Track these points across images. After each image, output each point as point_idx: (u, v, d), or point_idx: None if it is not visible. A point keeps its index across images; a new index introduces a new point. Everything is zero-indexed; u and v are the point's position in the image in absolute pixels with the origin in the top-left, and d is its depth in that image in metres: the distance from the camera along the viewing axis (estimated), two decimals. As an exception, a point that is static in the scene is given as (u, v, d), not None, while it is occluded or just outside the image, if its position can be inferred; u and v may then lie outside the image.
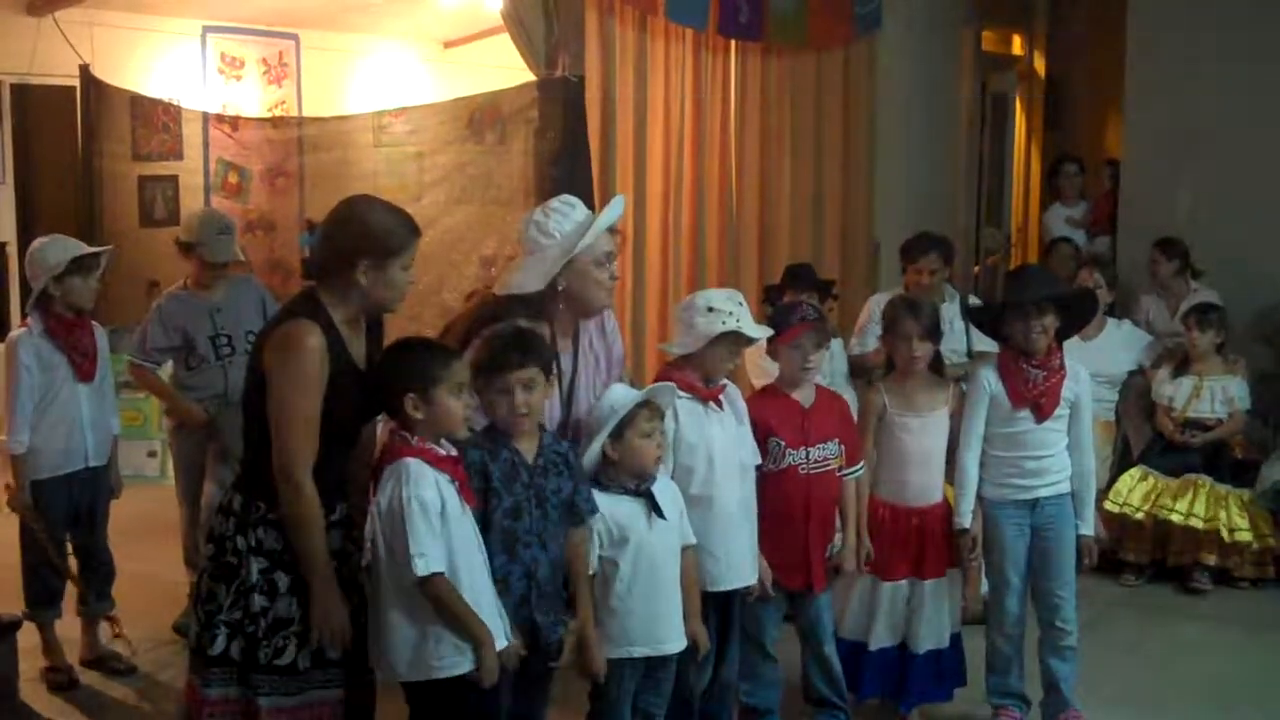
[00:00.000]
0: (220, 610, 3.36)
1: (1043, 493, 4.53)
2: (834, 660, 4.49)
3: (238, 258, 5.53)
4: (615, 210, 3.97)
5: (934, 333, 4.53)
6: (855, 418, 4.64)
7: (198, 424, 5.30)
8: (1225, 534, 6.09)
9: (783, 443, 4.27)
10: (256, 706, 3.34)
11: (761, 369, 5.12)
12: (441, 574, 3.20)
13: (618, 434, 3.72)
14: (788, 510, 4.28)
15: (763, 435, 4.26)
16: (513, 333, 3.61)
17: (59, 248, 4.93)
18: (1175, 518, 6.13)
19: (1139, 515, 6.19)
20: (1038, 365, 4.48)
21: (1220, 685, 5.12)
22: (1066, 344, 4.63)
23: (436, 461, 3.28)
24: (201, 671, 3.39)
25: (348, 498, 3.48)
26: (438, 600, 3.21)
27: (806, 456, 4.30)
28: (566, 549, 3.62)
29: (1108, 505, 6.18)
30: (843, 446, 4.39)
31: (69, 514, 5.05)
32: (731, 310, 4.02)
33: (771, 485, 4.25)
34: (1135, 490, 6.25)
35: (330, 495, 3.36)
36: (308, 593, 3.32)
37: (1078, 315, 4.65)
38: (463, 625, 3.24)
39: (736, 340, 4.04)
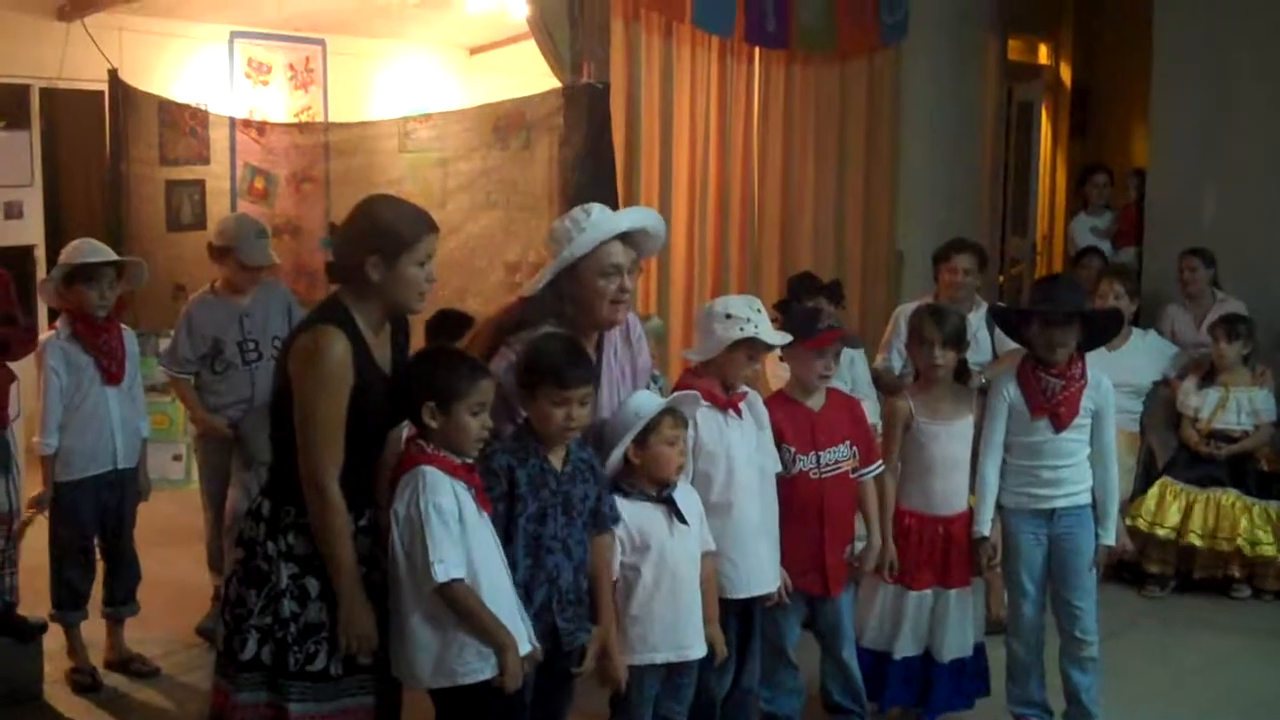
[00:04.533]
0: (250, 615, 3.35)
1: (1060, 503, 4.51)
2: (852, 666, 4.48)
3: (274, 260, 5.56)
4: (622, 220, 3.82)
5: (958, 341, 4.52)
6: (877, 423, 4.64)
7: (220, 437, 5.33)
8: (1247, 548, 6.07)
9: (792, 449, 4.28)
10: (287, 712, 3.33)
11: (780, 376, 5.12)
12: (461, 580, 3.20)
13: (642, 440, 3.72)
14: (801, 515, 4.28)
15: (775, 441, 4.26)
16: (570, 344, 3.58)
17: (72, 254, 4.98)
18: (1204, 544, 6.11)
19: (1168, 535, 6.18)
20: (1056, 374, 4.46)
21: (1244, 697, 5.10)
22: (1092, 354, 4.62)
23: (452, 470, 3.28)
24: (232, 676, 3.39)
25: (375, 503, 3.46)
26: (458, 606, 3.21)
27: (817, 462, 4.31)
28: (591, 556, 3.62)
29: (1138, 522, 6.17)
30: (855, 448, 4.39)
31: (96, 516, 5.08)
32: (749, 317, 4.02)
33: (785, 491, 4.25)
34: (1169, 510, 6.22)
35: (357, 501, 3.36)
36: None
37: (1102, 330, 4.64)
38: (484, 631, 3.24)
39: (754, 347, 4.05)
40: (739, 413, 4.10)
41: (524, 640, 3.33)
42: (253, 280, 5.42)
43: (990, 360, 5.93)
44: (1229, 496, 6.17)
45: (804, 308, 5.07)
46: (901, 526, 4.53)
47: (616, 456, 3.74)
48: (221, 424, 5.32)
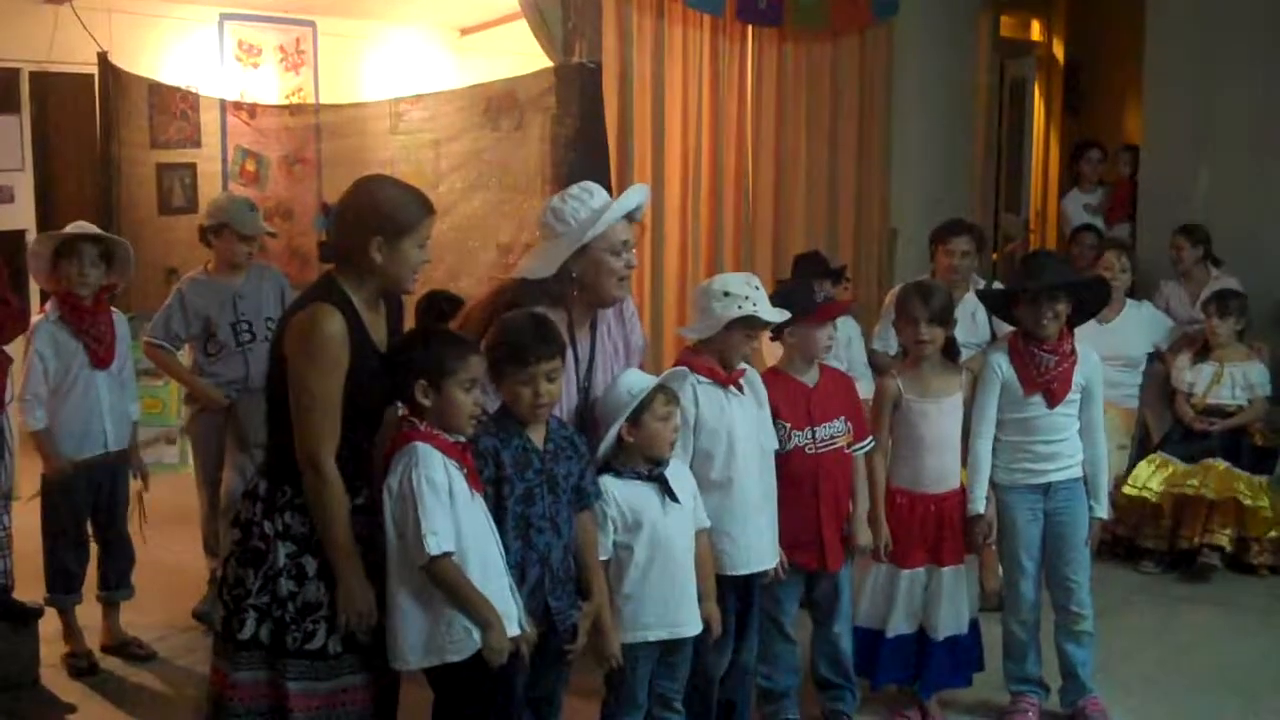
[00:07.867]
0: (249, 595, 3.35)
1: (1055, 477, 4.53)
2: (842, 642, 4.49)
3: (268, 230, 5.59)
4: (631, 198, 3.91)
5: (944, 318, 4.51)
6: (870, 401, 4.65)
7: (217, 407, 5.31)
8: (1247, 500, 6.03)
9: (787, 425, 4.27)
10: (285, 691, 3.33)
11: (775, 354, 5.12)
12: (450, 554, 3.20)
13: (635, 418, 3.72)
14: (797, 490, 4.28)
15: (771, 417, 4.26)
16: (532, 320, 3.58)
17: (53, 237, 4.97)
18: (1188, 490, 6.09)
19: (1155, 498, 6.17)
20: (1049, 350, 4.48)
21: (1240, 672, 5.11)
22: (1085, 325, 4.62)
23: (445, 448, 3.28)
24: (230, 656, 3.39)
25: (371, 483, 3.45)
26: (444, 582, 3.21)
27: (812, 437, 4.30)
28: (576, 533, 3.62)
29: (1126, 490, 6.17)
30: (849, 424, 4.38)
31: (89, 499, 5.07)
32: (747, 294, 4.01)
33: (780, 466, 4.24)
34: (1154, 476, 6.22)
35: (354, 480, 3.35)
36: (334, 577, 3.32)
37: (1090, 302, 4.64)
38: (469, 607, 3.23)
39: (753, 324, 4.04)
40: (740, 389, 4.10)
41: (513, 621, 3.32)
42: (249, 254, 5.41)
43: (989, 342, 5.91)
44: (1220, 464, 6.17)
45: (799, 283, 5.07)
46: (893, 505, 4.52)
47: (612, 436, 3.73)
48: (217, 392, 5.30)
